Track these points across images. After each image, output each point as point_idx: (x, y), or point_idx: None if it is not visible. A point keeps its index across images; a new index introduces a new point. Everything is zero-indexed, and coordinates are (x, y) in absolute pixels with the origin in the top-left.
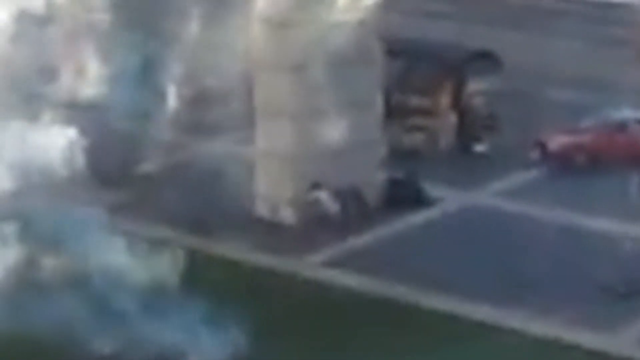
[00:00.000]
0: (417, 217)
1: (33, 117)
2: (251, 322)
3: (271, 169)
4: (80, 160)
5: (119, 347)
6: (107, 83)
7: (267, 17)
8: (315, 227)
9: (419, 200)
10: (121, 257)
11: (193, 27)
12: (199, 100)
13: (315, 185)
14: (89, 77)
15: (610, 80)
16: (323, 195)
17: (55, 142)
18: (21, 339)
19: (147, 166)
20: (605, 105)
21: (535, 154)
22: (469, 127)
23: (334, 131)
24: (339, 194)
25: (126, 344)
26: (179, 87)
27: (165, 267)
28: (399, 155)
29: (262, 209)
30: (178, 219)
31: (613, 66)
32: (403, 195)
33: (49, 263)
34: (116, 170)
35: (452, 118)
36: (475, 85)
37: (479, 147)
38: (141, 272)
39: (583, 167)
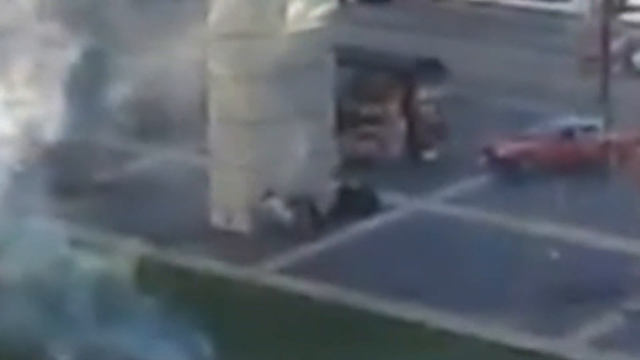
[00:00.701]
0: (369, 224)
1: None
2: (205, 329)
3: (225, 178)
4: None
5: (71, 355)
6: (60, 93)
7: (222, 28)
8: (269, 235)
9: (371, 208)
10: (74, 266)
11: (148, 39)
12: (154, 111)
13: (269, 194)
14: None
15: (556, 89)
16: (276, 204)
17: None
18: None
19: (103, 175)
20: (551, 113)
21: (483, 161)
22: (419, 134)
23: (287, 140)
24: (292, 202)
25: (78, 352)
26: (134, 97)
27: (119, 275)
28: (350, 163)
29: (217, 218)
30: (133, 228)
31: (559, 74)
32: (355, 203)
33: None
34: (72, 180)
35: (402, 126)
36: (424, 94)
37: (429, 154)
38: (95, 281)
39: (530, 174)
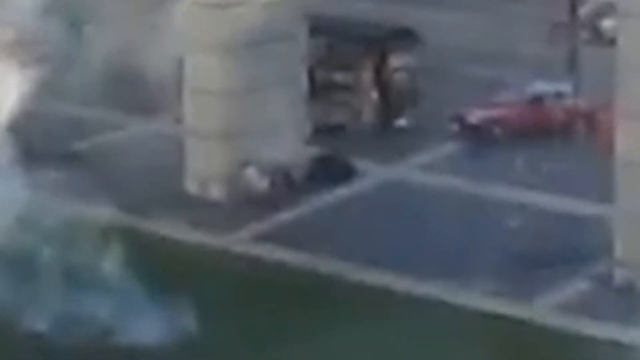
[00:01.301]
0: (342, 192)
1: None
2: (179, 297)
3: (200, 147)
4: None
5: (50, 323)
6: (41, 61)
7: None
8: (244, 203)
9: (345, 175)
10: (51, 235)
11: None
12: (131, 80)
13: (244, 163)
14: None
15: (525, 56)
16: (251, 172)
17: None
18: None
19: (79, 145)
20: (520, 80)
21: (454, 128)
22: (391, 102)
23: (261, 109)
24: (266, 171)
25: (57, 320)
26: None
27: (92, 245)
28: (323, 131)
29: (192, 186)
30: (108, 197)
31: (527, 42)
32: (329, 171)
33: None
34: (48, 148)
35: (374, 94)
36: (396, 62)
37: (400, 122)
38: (71, 250)
39: (501, 140)
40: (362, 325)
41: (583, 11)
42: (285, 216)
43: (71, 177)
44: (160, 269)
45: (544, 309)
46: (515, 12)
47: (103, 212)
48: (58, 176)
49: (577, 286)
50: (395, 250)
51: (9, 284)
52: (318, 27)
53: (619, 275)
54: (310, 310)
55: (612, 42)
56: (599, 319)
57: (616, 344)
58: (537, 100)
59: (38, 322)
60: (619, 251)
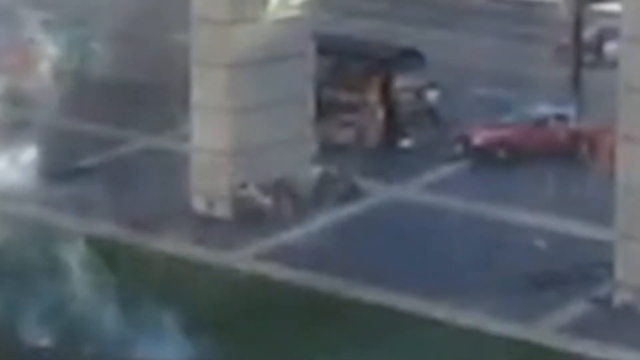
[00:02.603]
0: (346, 211)
1: None
2: (185, 314)
3: (206, 164)
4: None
5: (53, 339)
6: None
7: (204, 15)
8: (249, 221)
9: (349, 194)
10: (57, 252)
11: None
12: (139, 96)
13: (249, 180)
14: (32, 73)
15: (529, 77)
16: (255, 191)
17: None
18: None
19: (86, 161)
20: (525, 101)
21: (459, 148)
22: (396, 122)
23: (268, 126)
24: (271, 189)
25: (59, 337)
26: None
27: (99, 259)
28: (329, 150)
29: (198, 203)
30: (114, 213)
31: (532, 63)
32: (334, 190)
33: None
34: (55, 164)
35: (380, 114)
36: (402, 82)
37: (406, 142)
38: (76, 267)
39: (505, 161)
40: (364, 345)
41: (587, 34)
42: (290, 234)
43: (78, 193)
44: (164, 286)
45: (548, 330)
46: (519, 34)
47: (109, 228)
48: (65, 191)
49: (581, 308)
50: (399, 269)
51: (14, 298)
52: (325, 46)
53: (619, 297)
54: (313, 329)
55: (615, 65)
56: (601, 340)
57: None
58: (541, 122)
59: (43, 338)
60: (619, 273)
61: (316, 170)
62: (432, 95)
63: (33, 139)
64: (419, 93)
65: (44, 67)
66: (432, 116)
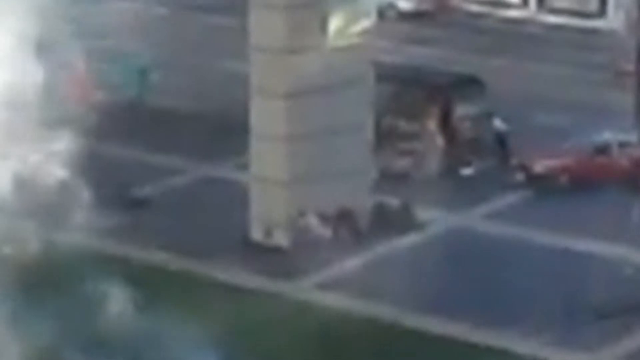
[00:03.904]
0: (407, 240)
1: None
2: (244, 345)
3: (265, 193)
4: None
5: None
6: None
7: (262, 44)
8: (308, 250)
9: (409, 225)
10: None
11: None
12: (196, 127)
13: (308, 209)
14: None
15: (591, 104)
16: (313, 220)
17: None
18: None
19: (143, 190)
20: (586, 129)
21: (520, 177)
22: (456, 150)
23: (327, 155)
24: (330, 218)
25: None
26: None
27: (157, 289)
28: (388, 178)
29: (256, 233)
30: (171, 243)
31: (594, 90)
32: (394, 220)
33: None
34: (113, 194)
35: (440, 142)
36: (462, 110)
37: (466, 171)
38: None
39: (566, 189)
40: None
41: None
42: (350, 264)
43: (135, 222)
44: (223, 316)
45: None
46: (580, 61)
47: (166, 258)
48: (121, 221)
49: None
50: (459, 299)
51: (67, 330)
52: (385, 74)
53: None
54: (372, 358)
55: None
56: None
57: None
58: (603, 149)
59: None
60: None
61: (375, 200)
62: (499, 123)
63: (91, 169)
64: (480, 120)
65: (102, 97)
66: (501, 144)
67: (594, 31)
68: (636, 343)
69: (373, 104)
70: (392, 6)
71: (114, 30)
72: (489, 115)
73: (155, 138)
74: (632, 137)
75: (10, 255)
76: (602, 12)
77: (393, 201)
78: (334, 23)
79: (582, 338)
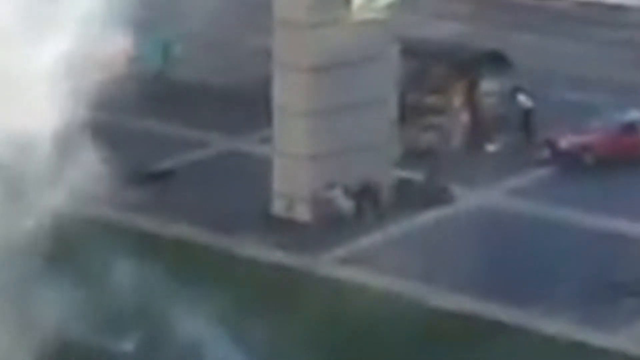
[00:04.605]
0: (431, 216)
1: None
2: (263, 318)
3: (287, 168)
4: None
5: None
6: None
7: (286, 18)
8: (330, 225)
9: (435, 199)
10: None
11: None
12: (218, 99)
13: (330, 184)
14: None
15: (617, 81)
16: (337, 194)
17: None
18: None
19: (167, 163)
20: (612, 106)
21: (545, 153)
22: (481, 126)
23: (350, 130)
24: (353, 193)
25: (141, 341)
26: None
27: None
28: (413, 153)
29: (278, 207)
30: (193, 217)
31: (621, 68)
32: (419, 194)
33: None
34: (135, 167)
35: (465, 117)
36: (487, 85)
37: (491, 147)
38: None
39: (591, 167)
40: (444, 353)
41: None
42: (372, 239)
43: (157, 195)
44: (243, 290)
45: (633, 339)
46: (607, 38)
47: (188, 231)
48: (145, 194)
49: None
50: (482, 275)
51: (92, 304)
52: (409, 49)
53: None
54: (388, 334)
55: None
56: None
57: None
58: (630, 127)
59: (123, 343)
60: None
61: (400, 174)
62: (524, 99)
63: (114, 142)
64: (506, 97)
65: (128, 69)
66: (528, 120)
67: (620, 7)
68: None
69: (398, 79)
70: None
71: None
72: (515, 92)
73: (178, 111)
74: None
75: (33, 228)
76: None
77: (419, 176)
78: None
79: (607, 317)
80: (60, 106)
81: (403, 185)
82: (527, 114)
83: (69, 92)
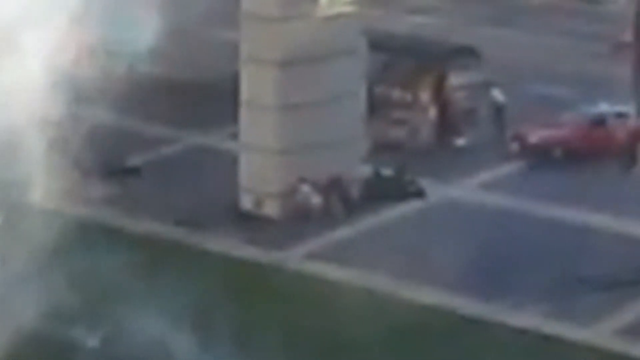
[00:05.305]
0: (400, 210)
1: None
2: (234, 314)
3: (255, 163)
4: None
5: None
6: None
7: (254, 11)
8: (299, 220)
9: (403, 193)
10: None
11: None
12: (187, 95)
13: (299, 179)
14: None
15: (587, 75)
16: (306, 189)
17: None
18: None
19: (134, 159)
20: (582, 100)
21: (514, 147)
22: (450, 120)
23: (318, 124)
24: (322, 187)
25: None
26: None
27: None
28: (381, 148)
29: (246, 202)
30: (162, 212)
31: (593, 61)
32: (387, 188)
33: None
34: (104, 164)
35: (433, 112)
36: (456, 80)
37: (460, 141)
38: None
39: (561, 160)
40: (414, 347)
41: None
42: (341, 234)
43: (126, 192)
44: (212, 286)
45: (602, 333)
46: (578, 31)
47: (156, 227)
48: (112, 190)
49: (636, 310)
50: (450, 269)
51: (61, 299)
52: (378, 43)
53: None
54: (356, 328)
55: None
56: None
57: None
58: (599, 120)
59: (90, 338)
60: None
61: (368, 169)
62: (497, 93)
63: (81, 137)
64: (476, 91)
65: (95, 64)
66: (498, 114)
67: (592, 1)
68: (631, 316)
69: (366, 73)
70: None
71: None
72: (487, 86)
73: (146, 107)
74: (627, 109)
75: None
76: None
77: (386, 170)
78: None
79: (575, 310)
80: (27, 100)
81: (372, 180)
82: (499, 108)
83: (35, 86)
